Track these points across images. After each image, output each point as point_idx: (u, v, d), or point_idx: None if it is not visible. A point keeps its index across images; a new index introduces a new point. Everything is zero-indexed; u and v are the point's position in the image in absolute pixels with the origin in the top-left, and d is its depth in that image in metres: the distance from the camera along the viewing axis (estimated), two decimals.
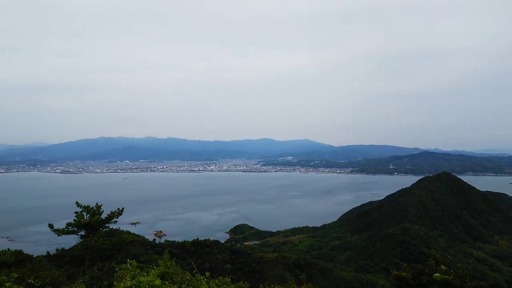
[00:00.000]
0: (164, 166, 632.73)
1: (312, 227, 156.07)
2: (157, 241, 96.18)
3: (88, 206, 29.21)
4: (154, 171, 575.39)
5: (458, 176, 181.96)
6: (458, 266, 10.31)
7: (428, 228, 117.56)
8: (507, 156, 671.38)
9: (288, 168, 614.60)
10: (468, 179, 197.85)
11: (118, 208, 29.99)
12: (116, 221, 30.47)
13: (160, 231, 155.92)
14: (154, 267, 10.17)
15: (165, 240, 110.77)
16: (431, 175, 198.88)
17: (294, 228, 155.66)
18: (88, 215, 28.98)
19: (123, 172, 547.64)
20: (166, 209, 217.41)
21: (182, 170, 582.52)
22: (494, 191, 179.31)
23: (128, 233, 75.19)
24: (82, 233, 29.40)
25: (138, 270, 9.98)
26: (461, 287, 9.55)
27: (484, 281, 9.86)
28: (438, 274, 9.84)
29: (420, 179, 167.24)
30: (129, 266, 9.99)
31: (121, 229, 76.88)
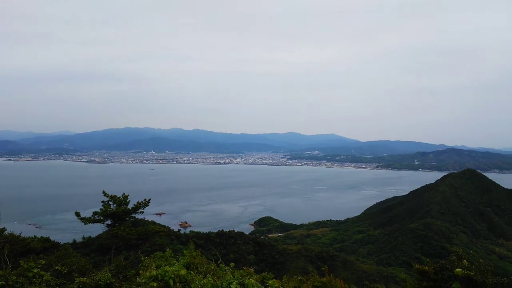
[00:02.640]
0: (190, 158, 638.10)
1: (336, 220, 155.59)
2: (182, 232, 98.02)
3: (114, 196, 29.83)
4: (180, 162, 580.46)
5: (483, 173, 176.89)
6: (480, 261, 10.27)
7: (451, 224, 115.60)
8: None
9: (314, 162, 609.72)
10: (493, 176, 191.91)
11: (145, 199, 30.54)
12: (143, 212, 31.20)
13: (185, 222, 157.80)
14: (180, 257, 10.52)
15: (190, 230, 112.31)
16: (455, 171, 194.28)
17: (317, 221, 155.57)
18: (114, 205, 29.58)
19: (149, 163, 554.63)
20: (191, 200, 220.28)
21: (208, 162, 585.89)
22: None
23: (154, 223, 76.93)
24: (108, 222, 30.02)
25: (171, 258, 10.33)
26: (483, 283, 9.53)
27: (506, 278, 9.79)
28: (460, 269, 9.83)
29: (444, 176, 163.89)
30: (165, 254, 10.37)
31: (146, 219, 78.73)
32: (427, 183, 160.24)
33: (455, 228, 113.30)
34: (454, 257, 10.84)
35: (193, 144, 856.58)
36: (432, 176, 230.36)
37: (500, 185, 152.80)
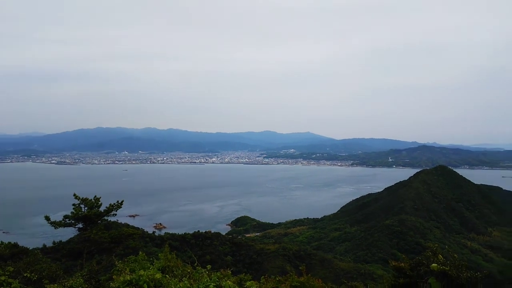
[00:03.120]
0: (165, 158, 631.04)
1: (313, 218, 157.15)
2: (156, 234, 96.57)
3: (86, 199, 28.95)
4: (154, 163, 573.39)
5: (454, 170, 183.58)
6: (454, 256, 10.41)
7: (425, 219, 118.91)
8: (502, 150, 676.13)
9: (290, 160, 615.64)
10: (463, 172, 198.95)
11: (118, 201, 29.77)
12: (116, 214, 30.40)
13: (160, 224, 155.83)
14: (154, 260, 10.19)
15: (165, 232, 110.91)
16: (428, 168, 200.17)
17: (295, 220, 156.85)
18: (86, 208, 28.75)
19: (122, 163, 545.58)
20: (166, 202, 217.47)
21: (183, 162, 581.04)
22: (488, 184, 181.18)
23: (127, 225, 75.46)
24: (80, 225, 29.14)
25: (144, 262, 9.98)
26: (457, 277, 9.65)
27: (478, 272, 9.96)
28: (436, 265, 9.94)
29: (417, 172, 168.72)
30: (138, 258, 10.01)
31: (119, 221, 77.03)
32: (401, 180, 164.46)
33: (429, 224, 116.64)
34: (430, 252, 10.96)
35: (167, 144, 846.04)
36: (405, 173, 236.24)
37: (470, 180, 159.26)
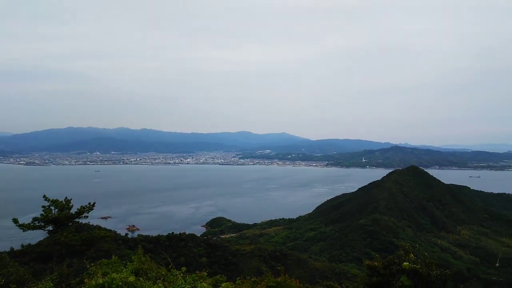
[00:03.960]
0: (138, 159, 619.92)
1: (288, 219, 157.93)
2: (129, 236, 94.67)
3: (56, 200, 28.13)
4: (126, 163, 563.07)
5: (425, 170, 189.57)
6: (425, 255, 10.70)
7: (397, 219, 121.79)
8: (469, 151, 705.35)
9: (266, 161, 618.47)
10: (434, 172, 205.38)
11: (89, 203, 29.10)
12: (87, 216, 29.64)
13: (133, 226, 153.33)
14: (128, 263, 9.99)
15: (138, 234, 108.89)
16: (400, 168, 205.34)
17: (270, 220, 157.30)
18: (56, 210, 27.96)
19: (93, 164, 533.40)
20: (139, 203, 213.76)
21: (156, 163, 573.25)
22: (457, 184, 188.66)
23: (99, 228, 73.81)
24: (50, 228, 28.32)
25: (118, 265, 9.77)
26: (428, 275, 9.93)
27: (448, 269, 10.29)
28: (407, 263, 10.19)
29: (390, 172, 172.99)
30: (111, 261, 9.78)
31: (91, 223, 75.16)
32: (374, 180, 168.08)
33: (401, 223, 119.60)
34: (402, 251, 11.25)
35: (140, 144, 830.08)
36: (378, 173, 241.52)
37: (440, 180, 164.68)
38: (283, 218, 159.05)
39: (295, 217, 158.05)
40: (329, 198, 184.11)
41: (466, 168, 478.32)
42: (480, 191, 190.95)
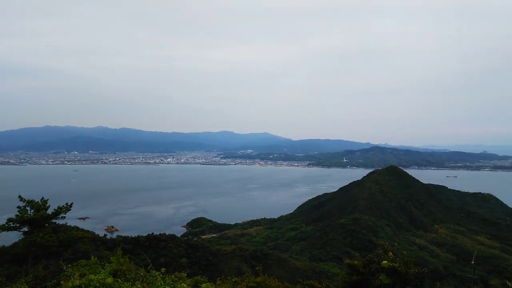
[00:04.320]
0: (117, 158, 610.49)
1: (270, 219, 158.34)
2: (108, 237, 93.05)
3: (32, 201, 27.43)
4: (105, 163, 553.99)
5: (404, 170, 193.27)
6: (403, 253, 10.87)
7: (377, 218, 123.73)
8: (447, 151, 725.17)
9: (247, 161, 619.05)
10: (413, 172, 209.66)
11: (67, 203, 28.48)
12: (64, 217, 29.00)
13: (112, 226, 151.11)
14: (106, 264, 9.82)
15: (117, 235, 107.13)
16: (380, 168, 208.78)
17: (252, 220, 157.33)
18: (32, 210, 27.27)
19: (71, 164, 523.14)
20: (118, 203, 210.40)
21: (136, 163, 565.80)
22: (435, 183, 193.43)
23: (77, 228, 72.38)
24: (25, 229, 27.62)
25: (96, 266, 9.58)
26: (406, 273, 10.09)
27: (425, 267, 10.49)
28: (386, 262, 10.32)
29: (370, 172, 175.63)
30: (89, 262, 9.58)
31: (68, 224, 73.49)
32: (355, 180, 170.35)
33: (381, 222, 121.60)
34: (381, 250, 11.42)
35: (120, 144, 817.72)
36: (359, 173, 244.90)
37: (419, 180, 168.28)
38: (264, 218, 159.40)
39: (276, 217, 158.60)
40: (310, 197, 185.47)
41: (443, 168, 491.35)
42: (457, 190, 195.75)
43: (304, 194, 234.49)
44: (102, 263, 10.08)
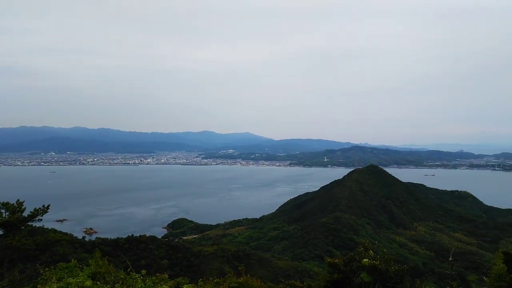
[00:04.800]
0: (95, 159, 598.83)
1: (252, 219, 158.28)
2: (87, 239, 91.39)
3: (7, 203, 26.60)
4: (84, 164, 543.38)
5: (384, 169, 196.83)
6: (384, 251, 11.01)
7: (357, 216, 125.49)
8: (425, 150, 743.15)
9: (229, 161, 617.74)
10: (392, 171, 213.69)
11: (44, 205, 27.74)
12: (41, 219, 28.26)
13: (91, 228, 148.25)
14: (84, 267, 9.61)
15: (96, 237, 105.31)
16: (360, 167, 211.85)
17: (233, 220, 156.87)
18: (7, 213, 26.48)
19: (48, 165, 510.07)
20: (97, 205, 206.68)
21: (115, 163, 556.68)
22: (414, 182, 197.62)
23: (54, 231, 70.69)
24: (0, 232, 26.88)
25: (74, 269, 9.37)
26: (386, 271, 10.22)
27: (405, 265, 10.66)
28: (367, 260, 10.43)
29: (350, 171, 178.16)
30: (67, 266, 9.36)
31: (45, 227, 71.72)
32: (336, 179, 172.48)
33: (361, 221, 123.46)
34: (361, 248, 11.54)
35: (98, 144, 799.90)
36: (340, 172, 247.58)
37: (398, 179, 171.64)
38: (246, 218, 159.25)
39: (258, 217, 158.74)
40: (292, 197, 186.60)
41: (422, 167, 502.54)
42: (435, 188, 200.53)
43: (285, 193, 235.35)
44: (81, 266, 9.88)
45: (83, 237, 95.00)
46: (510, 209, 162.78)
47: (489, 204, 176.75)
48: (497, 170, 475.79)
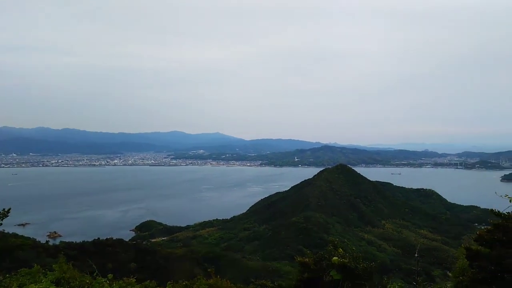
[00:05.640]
0: (60, 160, 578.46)
1: (222, 219, 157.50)
2: (51, 243, 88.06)
3: None
4: (47, 165, 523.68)
5: (353, 168, 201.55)
6: (353, 249, 11.17)
7: (327, 215, 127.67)
8: (392, 150, 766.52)
9: (199, 161, 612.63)
10: (361, 170, 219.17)
11: (4, 209, 26.38)
12: (1, 224, 26.87)
13: (55, 232, 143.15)
14: (48, 272, 9.19)
15: (61, 241, 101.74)
16: (330, 167, 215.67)
17: (204, 221, 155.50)
18: None
19: (9, 167, 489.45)
20: (62, 208, 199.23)
21: (81, 165, 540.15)
22: (381, 181, 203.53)
23: (15, 235, 67.85)
24: None
25: (38, 275, 8.92)
26: (355, 268, 10.37)
27: (373, 262, 10.87)
28: (336, 258, 10.53)
29: (320, 171, 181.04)
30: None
31: (6, 231, 68.51)
32: (306, 178, 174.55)
33: (331, 219, 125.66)
34: (331, 246, 11.67)
35: (62, 145, 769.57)
36: (310, 172, 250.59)
37: (367, 177, 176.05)
38: (217, 219, 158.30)
39: (229, 218, 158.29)
40: (263, 197, 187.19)
41: (389, 166, 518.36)
42: (402, 187, 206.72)
43: (256, 193, 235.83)
44: (44, 271, 9.44)
45: (47, 242, 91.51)
46: (472, 206, 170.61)
47: (452, 201, 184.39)
48: (459, 168, 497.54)
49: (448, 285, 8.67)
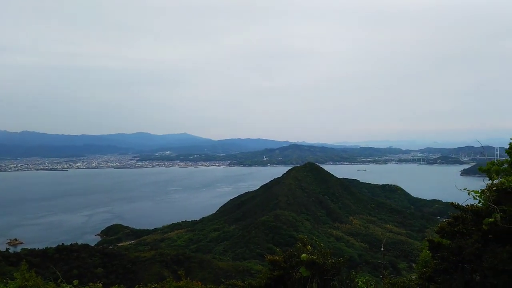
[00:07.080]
0: (19, 165, 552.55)
1: (191, 221, 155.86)
2: (11, 251, 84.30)
3: None
4: (6, 170, 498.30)
5: (321, 166, 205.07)
6: (321, 245, 11.36)
7: (296, 213, 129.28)
8: (358, 147, 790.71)
9: (166, 163, 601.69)
10: (328, 168, 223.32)
11: None
12: None
13: (15, 239, 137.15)
14: (9, 281, 8.79)
15: (22, 248, 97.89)
16: (298, 165, 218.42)
17: (172, 224, 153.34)
18: None
19: None
20: (22, 213, 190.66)
21: (41, 169, 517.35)
22: (348, 177, 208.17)
23: None
24: None
25: None
26: (324, 264, 10.56)
27: (342, 257, 11.12)
28: (305, 255, 10.67)
29: (289, 169, 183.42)
30: None
31: None
32: (275, 177, 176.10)
33: (301, 217, 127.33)
34: (300, 244, 11.83)
35: (21, 148, 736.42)
36: (279, 170, 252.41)
37: (334, 175, 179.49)
38: (185, 221, 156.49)
39: (198, 219, 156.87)
40: (232, 197, 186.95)
41: (355, 163, 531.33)
42: (368, 183, 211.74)
43: (226, 193, 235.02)
44: (5, 280, 9.03)
45: (7, 249, 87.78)
46: (434, 200, 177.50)
47: (416, 196, 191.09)
48: (422, 164, 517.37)
49: (413, 277, 9.01)
